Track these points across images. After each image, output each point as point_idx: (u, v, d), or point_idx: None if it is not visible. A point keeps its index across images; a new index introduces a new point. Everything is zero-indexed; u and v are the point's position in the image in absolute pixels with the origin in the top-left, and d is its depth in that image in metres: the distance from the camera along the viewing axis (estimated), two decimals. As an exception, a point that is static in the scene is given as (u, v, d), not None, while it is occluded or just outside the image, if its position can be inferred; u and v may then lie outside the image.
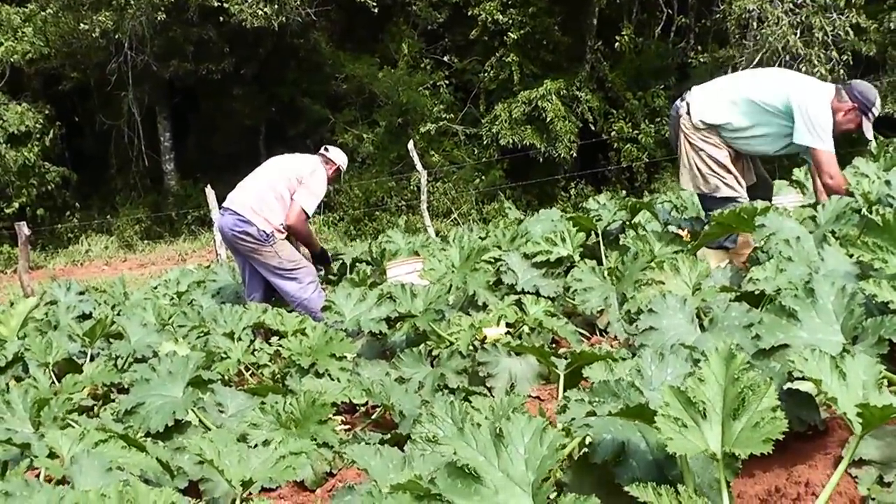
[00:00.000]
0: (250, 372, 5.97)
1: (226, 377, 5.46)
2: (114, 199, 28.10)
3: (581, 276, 5.82)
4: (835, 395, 2.68)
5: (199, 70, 25.17)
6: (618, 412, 2.77)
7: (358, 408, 5.11)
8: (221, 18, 22.84)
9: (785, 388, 3.15)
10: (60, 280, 10.65)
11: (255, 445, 3.76)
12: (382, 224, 22.66)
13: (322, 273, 8.70)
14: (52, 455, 3.82)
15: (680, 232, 6.76)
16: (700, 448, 2.51)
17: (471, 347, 5.09)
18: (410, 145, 17.65)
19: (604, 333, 5.67)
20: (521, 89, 23.34)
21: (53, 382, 5.75)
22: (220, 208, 8.73)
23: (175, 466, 3.85)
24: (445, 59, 26.52)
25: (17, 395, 4.71)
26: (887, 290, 3.33)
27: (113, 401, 5.56)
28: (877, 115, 6.43)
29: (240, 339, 6.22)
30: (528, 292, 6.06)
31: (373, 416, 4.87)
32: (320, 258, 8.51)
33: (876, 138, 7.98)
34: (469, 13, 24.34)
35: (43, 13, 24.41)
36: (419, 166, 17.47)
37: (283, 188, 7.95)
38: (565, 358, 4.20)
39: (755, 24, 19.66)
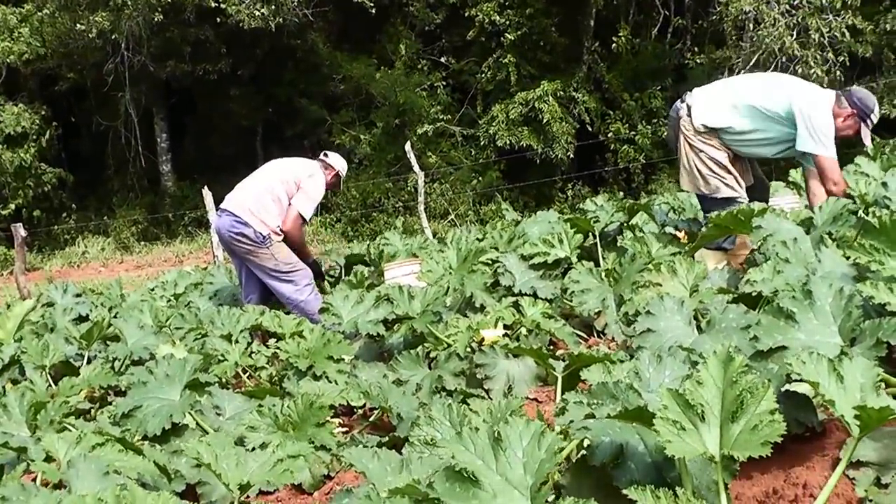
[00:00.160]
0: (248, 374, 5.96)
1: (223, 380, 5.45)
2: (110, 200, 28.09)
3: (578, 277, 5.82)
4: (832, 397, 2.68)
5: (195, 71, 25.17)
6: (616, 415, 2.77)
7: (356, 410, 5.10)
8: (218, 19, 22.84)
9: (783, 389, 3.15)
10: (57, 282, 10.65)
11: (253, 448, 3.76)
12: (380, 225, 22.67)
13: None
14: (48, 459, 3.82)
15: (677, 233, 6.77)
16: (698, 450, 2.51)
17: (468, 349, 5.08)
18: (408, 146, 17.66)
19: (601, 335, 5.66)
20: (518, 90, 23.37)
21: (50, 385, 5.74)
22: (217, 209, 8.72)
23: (172, 470, 3.84)
24: (442, 59, 26.54)
25: (13, 399, 4.70)
26: (884, 291, 3.33)
27: (110, 404, 5.54)
28: (875, 121, 6.44)
29: (237, 341, 6.21)
30: (526, 294, 6.06)
31: (370, 419, 4.86)
32: (311, 268, 8.48)
33: (872, 140, 7.99)
34: (466, 14, 24.37)
35: (39, 13, 24.40)
36: (416, 167, 17.48)
37: (281, 191, 7.95)
38: (563, 360, 4.19)
39: (752, 25, 19.70)
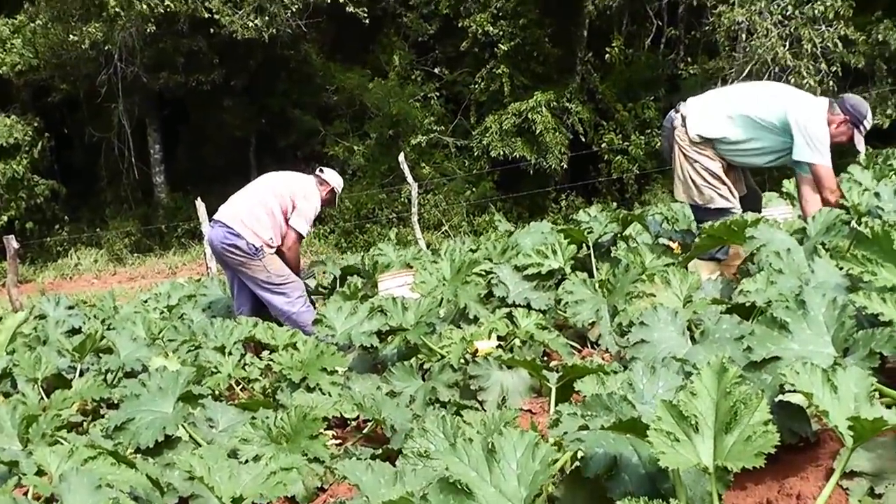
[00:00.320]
0: (241, 386, 5.95)
1: (216, 392, 5.44)
2: (103, 211, 28.06)
3: (572, 288, 5.81)
4: (826, 408, 2.69)
5: (189, 81, 25.15)
6: (610, 426, 2.77)
7: (349, 422, 5.09)
8: (212, 30, 22.81)
9: (777, 400, 3.15)
10: (49, 294, 10.64)
11: (246, 461, 3.76)
12: (373, 236, 22.65)
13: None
14: (40, 472, 3.81)
15: (671, 244, 6.76)
16: (692, 462, 2.51)
17: (462, 361, 5.08)
18: (401, 157, 17.65)
19: (595, 346, 5.65)
20: (512, 101, 23.36)
21: (42, 398, 5.74)
22: (210, 221, 8.71)
23: (165, 483, 3.83)
24: (436, 70, 26.54)
25: (5, 412, 4.70)
26: (877, 302, 3.34)
27: (102, 416, 5.53)
28: (868, 128, 6.47)
29: (230, 353, 6.21)
30: (520, 305, 6.06)
31: (364, 431, 4.85)
32: None
33: (865, 148, 8.00)
34: (459, 25, 24.37)
35: (32, 24, 24.36)
36: (410, 178, 17.48)
37: (275, 205, 7.95)
38: (557, 371, 4.19)
39: (744, 36, 19.73)
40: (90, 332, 7.05)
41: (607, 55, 23.30)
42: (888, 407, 2.92)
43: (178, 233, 25.39)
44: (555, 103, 23.14)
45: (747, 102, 6.61)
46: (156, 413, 4.48)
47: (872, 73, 20.54)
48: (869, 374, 2.87)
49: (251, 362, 6.17)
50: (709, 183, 6.58)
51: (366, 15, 23.48)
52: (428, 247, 15.54)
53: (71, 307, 9.38)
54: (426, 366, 5.30)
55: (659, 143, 21.58)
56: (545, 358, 5.41)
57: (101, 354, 6.90)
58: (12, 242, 13.15)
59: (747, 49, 19.53)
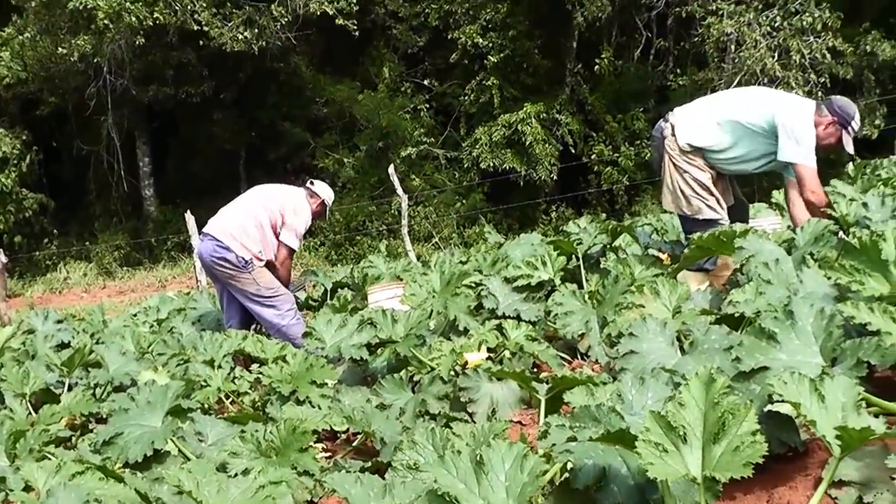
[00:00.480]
0: (230, 400, 5.94)
1: (206, 405, 5.43)
2: (93, 225, 27.99)
3: (562, 299, 5.82)
4: (814, 417, 2.69)
5: (178, 94, 25.10)
6: (599, 437, 2.77)
7: (339, 435, 5.09)
8: (201, 42, 22.79)
9: (765, 410, 3.16)
10: (38, 308, 10.61)
11: (235, 475, 3.74)
12: (364, 249, 22.63)
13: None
14: (27, 488, 3.79)
15: (660, 255, 6.77)
16: (681, 472, 2.51)
17: (452, 373, 5.08)
18: (391, 169, 17.65)
19: (585, 357, 5.65)
20: (501, 112, 23.37)
21: (30, 413, 5.71)
22: (199, 234, 8.70)
23: (154, 497, 3.81)
24: (426, 82, 26.56)
25: (-7, 427, 4.68)
26: (865, 311, 3.34)
27: (91, 431, 5.52)
28: (857, 129, 6.48)
29: (220, 366, 6.19)
30: (509, 317, 6.07)
31: (354, 444, 4.84)
32: None
33: (854, 160, 8.01)
34: (449, 37, 24.40)
35: (20, 37, 24.28)
36: (400, 190, 17.48)
37: (265, 218, 7.94)
38: (546, 383, 4.20)
39: (733, 47, 19.79)
40: (79, 346, 7.03)
41: (597, 66, 23.33)
42: (876, 416, 2.93)
43: (168, 246, 25.33)
44: (544, 115, 23.16)
45: (735, 108, 6.62)
46: (144, 427, 4.46)
47: (861, 84, 20.62)
48: (856, 384, 2.88)
49: (241, 375, 6.15)
50: (697, 194, 6.59)
51: (355, 27, 23.48)
52: (418, 259, 15.57)
53: (60, 321, 9.35)
54: (416, 378, 5.29)
55: (648, 155, 21.63)
56: (535, 369, 5.41)
57: (89, 369, 6.86)
58: (0, 256, 13.11)
59: (736, 60, 19.59)
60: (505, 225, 23.41)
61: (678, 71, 22.64)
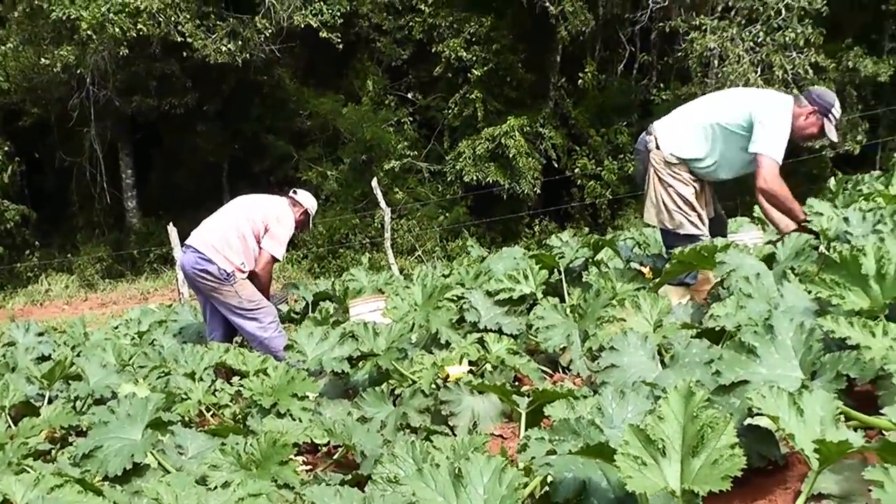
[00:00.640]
0: (211, 412, 5.91)
1: (186, 418, 5.40)
2: (75, 237, 27.93)
3: (543, 313, 5.82)
4: (793, 430, 2.70)
5: (161, 105, 25.09)
6: (578, 451, 2.77)
7: (320, 448, 5.07)
8: (185, 54, 22.81)
9: (745, 423, 3.16)
10: (19, 321, 10.56)
11: (215, 487, 3.72)
12: (346, 262, 22.62)
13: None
14: (6, 501, 3.76)
15: (642, 269, 6.78)
16: (659, 486, 2.51)
17: (433, 386, 5.07)
18: (374, 182, 17.67)
19: (567, 371, 5.65)
20: (485, 126, 23.44)
21: (10, 426, 5.68)
22: (182, 246, 8.68)
23: (133, 509, 3.80)
24: (409, 95, 26.61)
25: (-28, 439, 4.65)
26: (845, 326, 3.35)
27: (71, 444, 5.49)
28: (838, 116, 6.49)
29: (201, 379, 6.17)
30: (491, 330, 6.06)
31: (335, 457, 4.83)
32: None
33: (835, 175, 8.04)
34: (433, 50, 24.46)
35: (3, 47, 24.21)
36: (383, 203, 17.50)
37: (247, 229, 7.92)
38: (527, 396, 4.20)
39: (716, 62, 19.91)
40: (60, 358, 6.99)
41: (580, 80, 23.41)
42: (855, 430, 2.94)
43: (150, 258, 25.28)
44: (528, 128, 23.24)
45: (713, 110, 6.62)
46: (124, 440, 4.44)
47: (843, 100, 20.68)
48: (835, 398, 2.89)
49: (222, 388, 6.13)
50: (680, 208, 6.58)
51: (339, 40, 23.52)
52: (401, 272, 15.56)
53: (41, 334, 9.31)
54: (397, 391, 5.28)
55: (632, 169, 21.70)
56: (516, 383, 5.42)
57: (70, 381, 6.82)
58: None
59: (719, 75, 19.70)
60: (488, 238, 23.44)
61: (661, 85, 22.74)
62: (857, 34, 21.30)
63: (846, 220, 5.68)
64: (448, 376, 5.17)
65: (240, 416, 5.63)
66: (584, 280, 6.90)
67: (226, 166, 27.67)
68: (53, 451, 5.50)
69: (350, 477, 4.19)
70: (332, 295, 9.22)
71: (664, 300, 5.12)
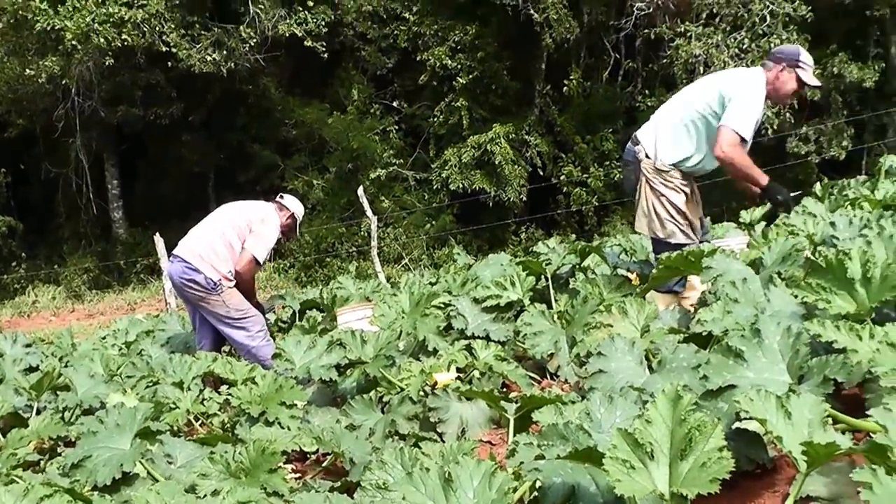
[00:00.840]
0: (200, 422, 5.90)
1: (175, 427, 5.39)
2: (61, 248, 27.86)
3: (531, 320, 5.83)
4: (780, 433, 2.71)
5: (147, 116, 25.06)
6: (566, 455, 2.78)
7: (309, 456, 5.07)
8: (170, 64, 22.79)
9: (733, 427, 3.17)
10: (6, 332, 10.51)
11: (204, 496, 3.72)
12: (333, 270, 22.61)
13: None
14: (-5, 512, 3.76)
15: (629, 275, 6.79)
16: (648, 489, 2.52)
17: (421, 393, 5.07)
18: (360, 191, 17.67)
19: (555, 377, 5.66)
20: (471, 134, 23.46)
21: (-2, 437, 5.66)
22: (169, 256, 8.66)
23: (122, 520, 3.80)
24: (395, 104, 26.63)
25: (-40, 450, 4.64)
26: (831, 329, 3.37)
27: (60, 454, 5.47)
28: (809, 64, 6.48)
29: (189, 388, 6.16)
30: (479, 337, 6.06)
31: (324, 464, 4.83)
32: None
33: (821, 180, 8.07)
34: (418, 58, 24.49)
35: (-13, 58, 24.25)
36: (369, 212, 17.50)
37: (233, 236, 7.89)
38: (515, 402, 4.20)
39: (702, 68, 19.94)
40: (47, 369, 6.97)
41: (566, 88, 23.48)
42: (843, 433, 2.95)
43: (137, 269, 25.23)
44: (514, 136, 23.28)
45: (687, 105, 6.61)
46: (113, 450, 4.43)
47: (828, 106, 20.85)
48: (822, 401, 2.90)
49: (210, 397, 6.12)
50: (672, 217, 6.57)
51: (324, 49, 23.54)
52: (388, 280, 15.56)
53: (28, 345, 9.27)
54: (385, 399, 5.28)
55: (618, 175, 21.75)
56: (504, 389, 5.42)
57: (58, 392, 6.80)
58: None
59: (705, 81, 19.75)
60: (475, 246, 23.46)
61: (647, 92, 22.80)
62: (841, 40, 21.39)
63: (832, 224, 5.70)
64: (436, 383, 5.17)
65: (228, 425, 5.62)
66: (571, 286, 6.90)
67: (212, 176, 27.64)
68: (42, 462, 5.48)
69: (339, 484, 4.20)
70: (320, 303, 9.21)
71: (651, 306, 5.14)
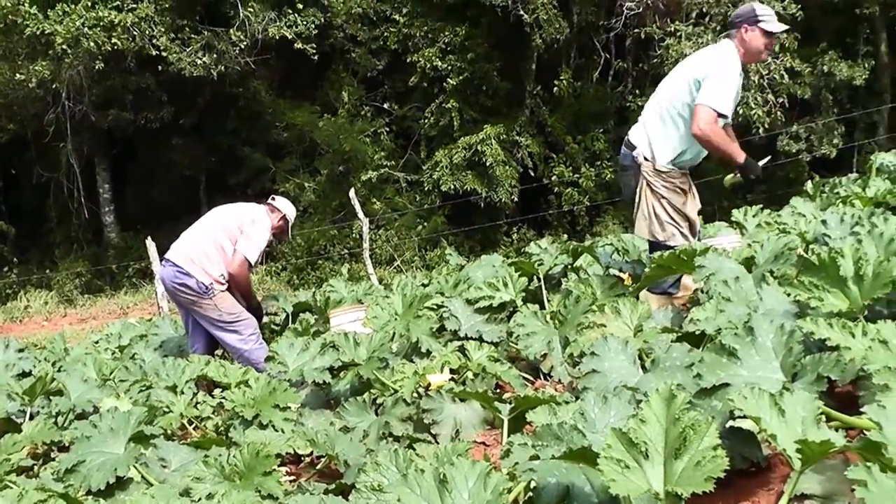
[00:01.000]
0: (193, 425, 5.90)
1: (168, 431, 5.39)
2: (53, 252, 27.77)
3: (524, 320, 5.83)
4: (774, 431, 2.71)
5: (137, 120, 24.97)
6: (561, 455, 2.78)
7: (303, 458, 5.07)
8: (160, 67, 22.73)
9: (727, 425, 3.18)
10: (-1, 338, 10.50)
11: (199, 500, 3.72)
12: (325, 273, 22.57)
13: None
14: (-11, 518, 3.75)
15: (621, 275, 6.79)
16: (643, 488, 2.52)
17: (415, 395, 5.08)
18: (352, 193, 17.64)
19: (548, 377, 5.66)
20: (462, 135, 23.44)
21: (-8, 443, 5.65)
22: (161, 260, 8.65)
23: (117, 523, 3.79)
24: (385, 106, 26.60)
25: (-46, 456, 4.63)
26: (824, 327, 3.37)
27: (53, 460, 5.47)
28: (769, 13, 6.50)
29: (182, 392, 6.15)
30: (472, 338, 6.06)
31: (318, 467, 4.83)
32: (254, 312, 8.33)
33: (811, 177, 8.07)
34: (408, 60, 24.46)
35: (-23, 64, 24.16)
36: (361, 214, 17.47)
37: (224, 239, 7.87)
38: (509, 403, 4.20)
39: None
40: (40, 374, 6.96)
41: (556, 88, 23.47)
42: (837, 430, 2.95)
43: (129, 272, 25.15)
44: (504, 137, 23.25)
45: (666, 98, 6.62)
46: (107, 454, 4.43)
47: (819, 104, 20.88)
48: (816, 398, 2.90)
49: (203, 400, 6.11)
50: (673, 220, 6.55)
51: (314, 51, 23.50)
52: (380, 282, 15.54)
53: (21, 350, 9.23)
54: (379, 400, 5.28)
55: (609, 175, 21.76)
56: (498, 390, 5.43)
57: (51, 397, 6.80)
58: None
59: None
60: (466, 247, 23.44)
61: (637, 92, 22.80)
62: (831, 39, 21.44)
63: (824, 222, 5.71)
64: (430, 385, 5.18)
65: (222, 428, 5.62)
66: (563, 287, 6.91)
67: (203, 179, 27.57)
68: (36, 467, 5.48)
69: (334, 486, 4.19)
70: (312, 306, 9.20)
71: (644, 305, 5.14)
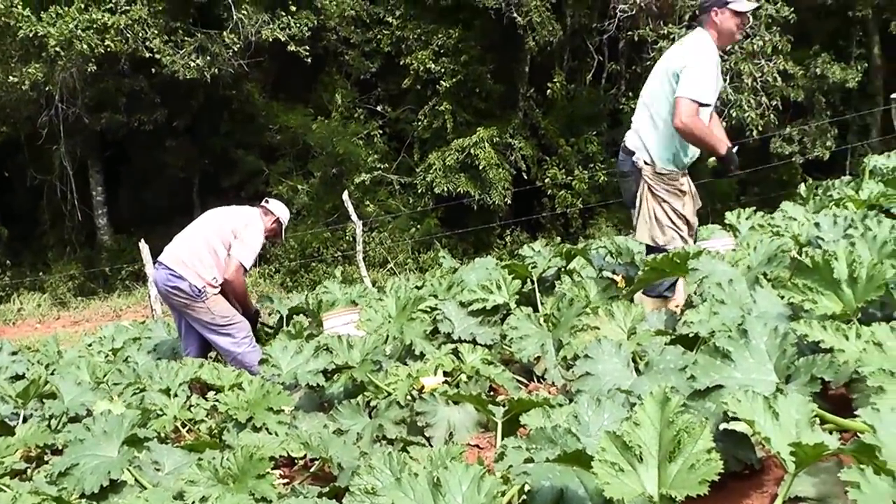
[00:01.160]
0: (187, 428, 5.89)
1: (162, 434, 5.38)
2: (46, 255, 27.74)
3: (517, 323, 5.82)
4: (768, 434, 2.71)
5: (130, 122, 24.97)
6: (555, 458, 2.78)
7: (296, 461, 5.06)
8: (153, 70, 22.73)
9: (721, 428, 3.18)
10: (-9, 340, 10.48)
11: (193, 502, 3.71)
12: (319, 275, 22.54)
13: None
14: (-18, 520, 3.75)
15: (615, 277, 6.79)
16: (637, 491, 2.52)
17: (409, 397, 5.07)
18: (345, 195, 17.63)
19: (542, 380, 5.65)
20: (455, 137, 23.43)
21: (-15, 446, 5.63)
22: (154, 262, 8.63)
23: (110, 527, 3.78)
24: (379, 108, 26.60)
25: (-54, 460, 4.62)
26: (818, 329, 3.38)
27: (47, 463, 5.46)
28: None
29: (176, 395, 6.15)
30: (465, 341, 6.06)
31: (311, 470, 4.82)
32: (250, 318, 8.32)
33: (805, 181, 8.08)
34: (401, 62, 24.47)
35: (-30, 66, 24.12)
36: (354, 216, 17.46)
37: (217, 242, 7.86)
38: (503, 406, 4.20)
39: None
40: (34, 377, 6.94)
41: (549, 91, 23.49)
42: (830, 432, 2.96)
43: (122, 275, 25.13)
44: (497, 139, 23.27)
45: (653, 99, 6.62)
46: (100, 457, 4.42)
47: (812, 107, 20.91)
48: (810, 401, 2.90)
49: (197, 403, 6.10)
50: (673, 223, 6.54)
51: (307, 54, 23.50)
52: (374, 284, 15.53)
53: (14, 353, 9.22)
54: (373, 403, 5.27)
55: (603, 178, 21.77)
56: (492, 393, 5.41)
57: (44, 400, 6.78)
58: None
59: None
60: (460, 250, 23.43)
61: (630, 94, 22.79)
62: (824, 41, 21.49)
63: (817, 225, 5.71)
64: (423, 387, 5.17)
65: (216, 431, 5.61)
66: (556, 289, 6.90)
67: (196, 182, 27.57)
68: (30, 471, 5.47)
69: (327, 489, 4.18)
70: (306, 308, 9.20)
71: (638, 307, 5.14)
